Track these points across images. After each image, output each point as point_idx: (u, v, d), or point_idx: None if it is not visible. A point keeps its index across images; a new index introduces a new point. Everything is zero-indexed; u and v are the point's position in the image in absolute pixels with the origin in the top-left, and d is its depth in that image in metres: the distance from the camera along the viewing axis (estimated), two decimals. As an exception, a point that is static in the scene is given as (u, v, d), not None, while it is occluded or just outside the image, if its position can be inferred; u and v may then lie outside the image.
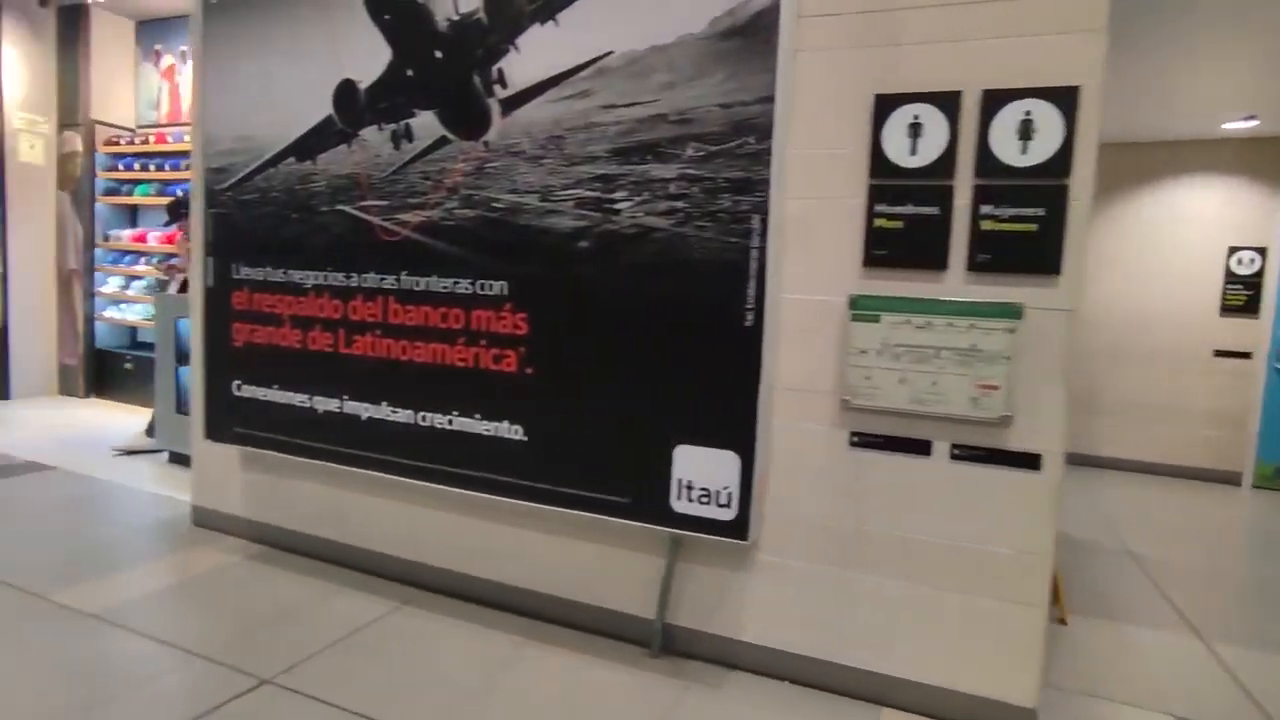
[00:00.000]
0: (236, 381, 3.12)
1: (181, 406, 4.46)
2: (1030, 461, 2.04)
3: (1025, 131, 1.99)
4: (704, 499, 2.28)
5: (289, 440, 3.00)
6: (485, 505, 2.69)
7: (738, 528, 2.25)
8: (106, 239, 6.40)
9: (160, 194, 6.11)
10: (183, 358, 4.46)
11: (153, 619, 2.59)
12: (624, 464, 2.39)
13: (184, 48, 6.19)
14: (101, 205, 6.38)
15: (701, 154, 2.22)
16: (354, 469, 2.87)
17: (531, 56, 2.45)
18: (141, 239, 6.25)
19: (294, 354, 2.95)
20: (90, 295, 6.37)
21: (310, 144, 2.86)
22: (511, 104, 2.49)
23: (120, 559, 3.12)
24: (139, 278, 6.31)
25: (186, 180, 5.95)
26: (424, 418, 2.70)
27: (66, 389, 6.46)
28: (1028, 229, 2.00)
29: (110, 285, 6.40)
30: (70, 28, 6.22)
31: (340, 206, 2.81)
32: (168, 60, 6.34)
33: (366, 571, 2.99)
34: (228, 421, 3.16)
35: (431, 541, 2.84)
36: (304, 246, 2.90)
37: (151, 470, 4.36)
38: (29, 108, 6.16)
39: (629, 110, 2.32)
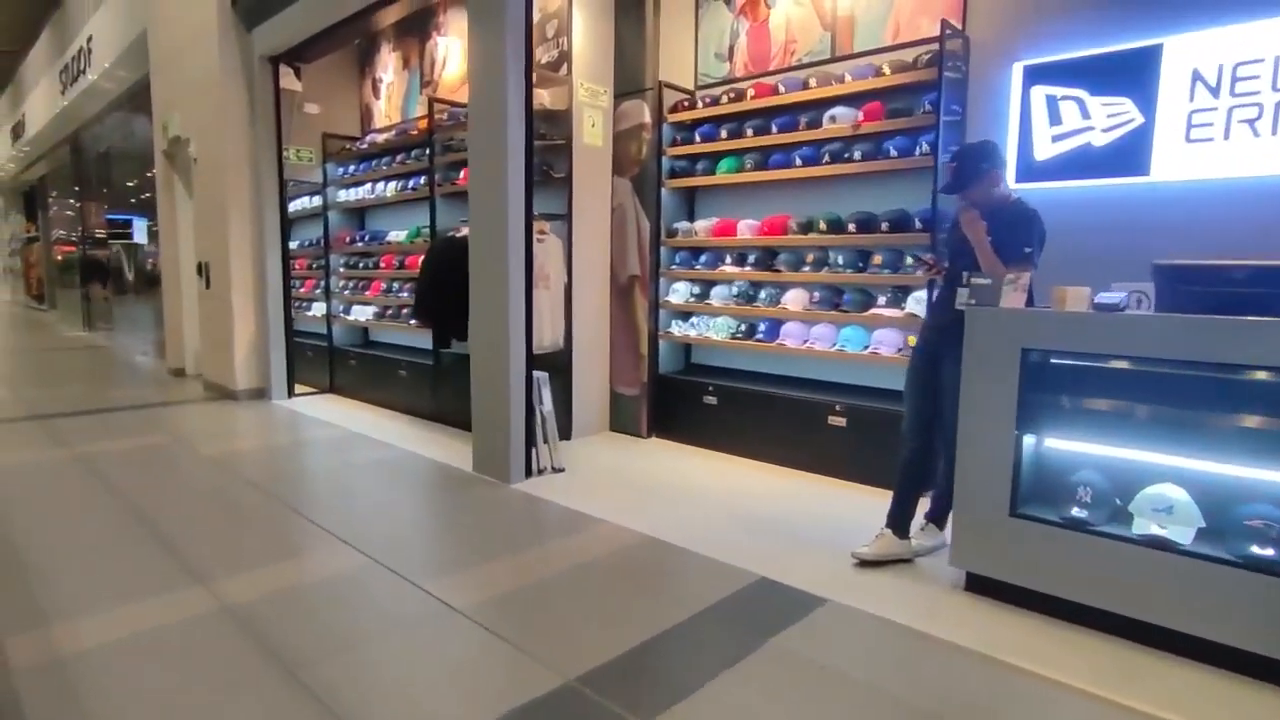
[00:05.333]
0: None
1: (1019, 504, 2.54)
2: None
3: None
4: None
5: None
6: None
7: None
8: (672, 234, 4.97)
9: (759, 167, 4.47)
10: (1024, 420, 2.52)
11: None
12: None
13: (778, -33, 4.50)
14: (666, 192, 4.96)
15: None
16: None
17: None
18: (727, 230, 4.69)
19: None
20: (655, 308, 4.99)
21: None
22: None
23: None
24: (720, 282, 4.78)
25: (808, 141, 4.21)
26: None
27: (622, 424, 5.19)
28: None
29: (675, 294, 4.96)
30: (637, -34, 4.85)
31: None
32: (748, -9, 4.71)
33: None
34: None
35: None
36: None
37: (962, 613, 2.49)
38: (589, 76, 4.90)
39: None
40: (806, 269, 4.28)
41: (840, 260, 4.14)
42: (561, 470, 4.19)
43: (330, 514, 3.47)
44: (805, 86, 4.24)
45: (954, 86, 3.70)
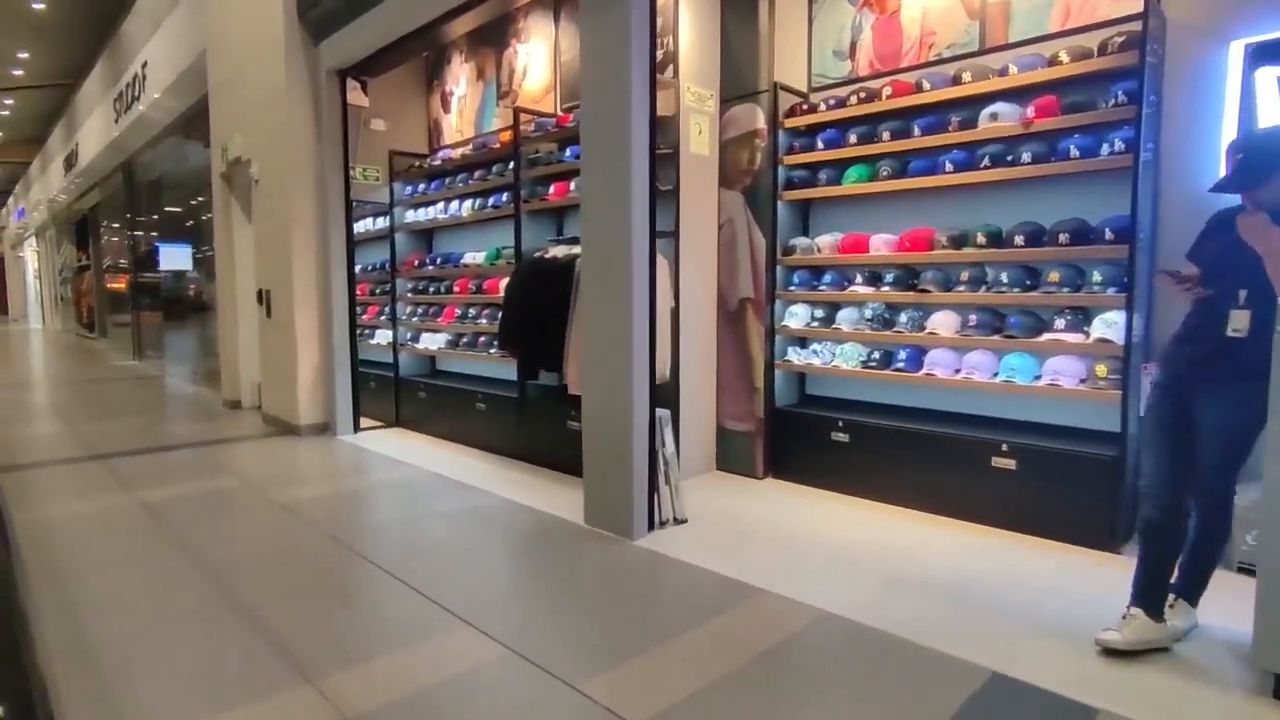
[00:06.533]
0: None
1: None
2: None
3: None
4: None
5: None
6: None
7: None
8: (789, 251, 4.47)
9: (897, 175, 3.95)
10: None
11: None
12: None
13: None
14: (782, 205, 4.46)
15: None
16: None
17: None
18: (858, 246, 4.17)
19: None
20: (770, 334, 4.47)
21: None
22: None
23: None
24: (846, 305, 4.25)
25: (959, 144, 3.69)
26: None
27: (731, 463, 4.65)
28: None
29: (794, 318, 4.44)
30: (748, -43, 4.39)
31: None
32: (873, -20, 4.23)
33: None
34: None
35: None
36: None
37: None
38: (695, 79, 4.43)
39: None
40: (961, 288, 3.74)
41: (1004, 278, 3.59)
42: (684, 521, 3.67)
43: (437, 582, 2.98)
44: (956, 82, 3.73)
45: (1149, 73, 3.16)
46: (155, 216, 11.88)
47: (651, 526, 3.54)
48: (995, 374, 3.65)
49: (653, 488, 3.53)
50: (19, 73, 14.66)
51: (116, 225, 14.15)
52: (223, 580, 2.98)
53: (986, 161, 3.61)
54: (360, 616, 2.72)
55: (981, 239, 3.66)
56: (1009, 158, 3.56)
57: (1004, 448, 3.53)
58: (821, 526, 3.62)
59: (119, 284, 13.65)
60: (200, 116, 8.36)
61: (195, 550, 3.32)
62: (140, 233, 12.60)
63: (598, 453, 3.60)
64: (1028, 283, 3.56)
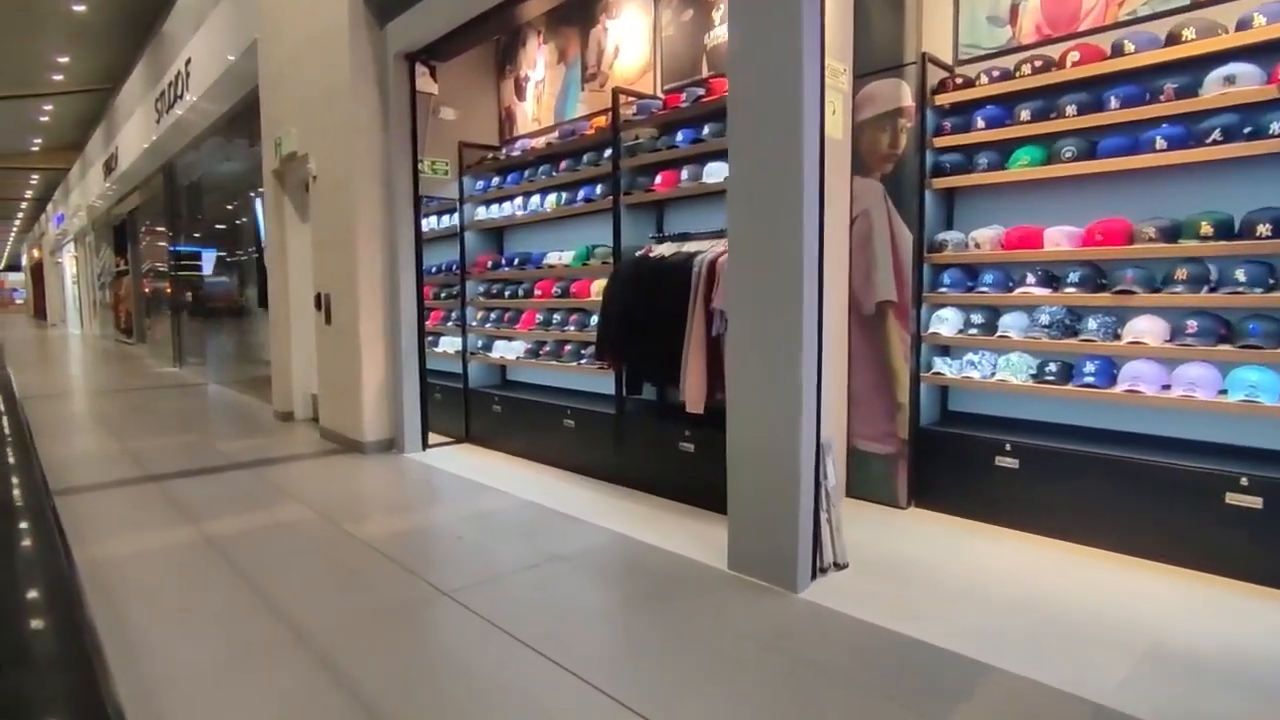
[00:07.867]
0: None
1: None
2: None
3: None
4: None
5: None
6: None
7: None
8: (936, 248, 3.87)
9: (1084, 156, 3.34)
10: None
11: None
12: None
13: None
14: (930, 195, 3.87)
15: None
16: None
17: None
18: (1029, 241, 3.56)
19: None
20: (916, 342, 3.87)
21: None
22: None
23: None
24: (1009, 309, 3.65)
25: (1169, 117, 3.07)
26: None
27: (866, 490, 4.06)
28: None
29: (944, 324, 3.84)
30: (893, -92, 3.81)
31: None
32: (1044, -69, 3.62)
33: None
34: None
35: None
36: None
37: None
38: (828, 50, 3.84)
39: None
40: (1179, 289, 3.11)
41: (1241, 276, 2.96)
42: (845, 566, 3.09)
43: (582, 655, 2.43)
44: (1173, 41, 3.11)
45: None
46: (197, 219, 11.54)
47: (814, 574, 2.96)
48: (1221, 391, 3.03)
49: (816, 528, 2.96)
50: (59, 77, 14.47)
51: (157, 229, 13.87)
52: (323, 653, 2.46)
53: (1217, 135, 2.99)
54: (506, 707, 2.17)
55: (1206, 229, 3.03)
56: (1247, 129, 2.94)
57: (1244, 482, 2.90)
58: (1014, 573, 3.02)
59: (164, 287, 13.36)
60: (244, 115, 7.97)
61: (282, 609, 2.80)
62: (182, 236, 12.28)
63: (749, 485, 3.03)
64: (1270, 282, 2.94)
